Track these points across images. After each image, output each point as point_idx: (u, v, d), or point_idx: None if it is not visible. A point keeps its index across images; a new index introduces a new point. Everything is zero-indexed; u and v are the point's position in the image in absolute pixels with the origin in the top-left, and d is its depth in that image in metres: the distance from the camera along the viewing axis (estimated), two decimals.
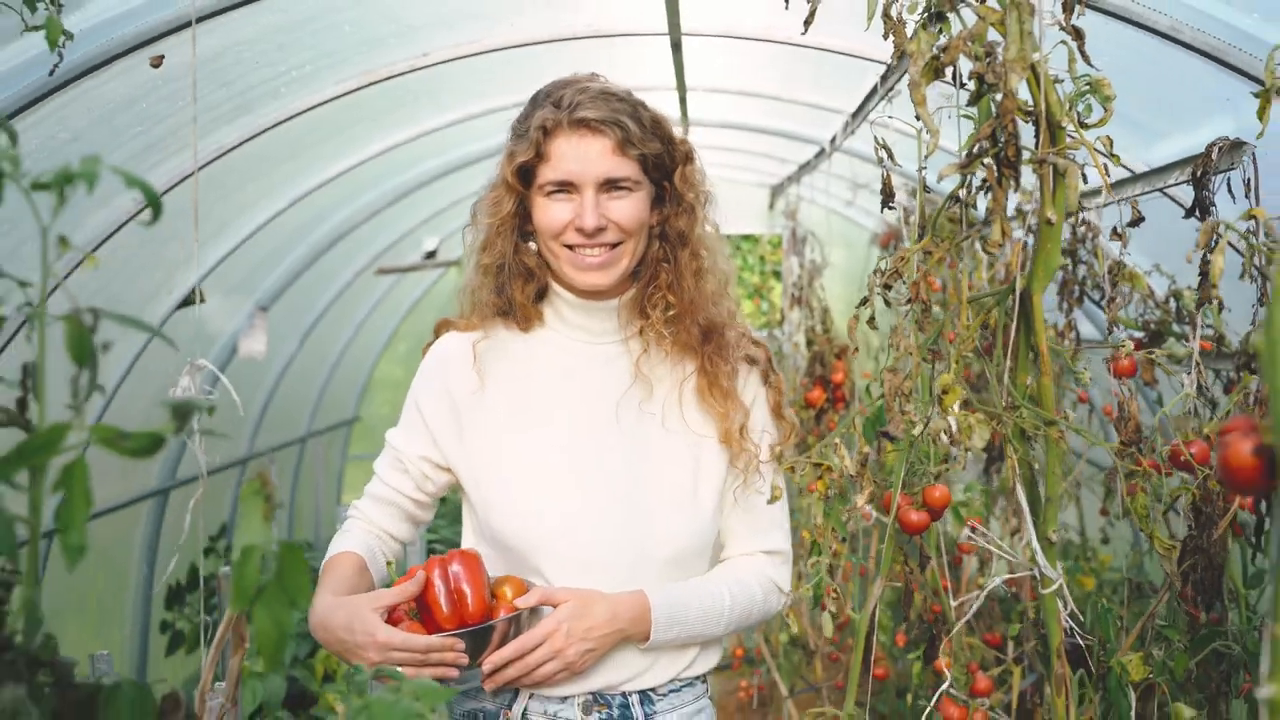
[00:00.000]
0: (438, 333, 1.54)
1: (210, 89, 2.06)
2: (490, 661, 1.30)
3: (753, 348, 1.52)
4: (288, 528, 4.85)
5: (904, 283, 1.25)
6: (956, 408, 1.28)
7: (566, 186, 1.37)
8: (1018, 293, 1.25)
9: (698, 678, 1.49)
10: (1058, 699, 1.29)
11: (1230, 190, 1.71)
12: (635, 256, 1.42)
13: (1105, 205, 2.39)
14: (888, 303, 1.29)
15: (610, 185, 1.37)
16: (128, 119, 1.91)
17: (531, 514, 1.41)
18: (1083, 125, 1.29)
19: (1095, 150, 1.27)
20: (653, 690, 1.44)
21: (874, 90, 2.38)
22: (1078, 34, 1.28)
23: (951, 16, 1.23)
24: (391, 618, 1.30)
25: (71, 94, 1.57)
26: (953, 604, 2.37)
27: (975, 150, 1.14)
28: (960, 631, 2.45)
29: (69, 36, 1.18)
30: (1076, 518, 4.21)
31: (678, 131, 1.46)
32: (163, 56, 1.68)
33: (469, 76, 2.63)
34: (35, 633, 0.79)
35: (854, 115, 2.76)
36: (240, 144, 2.35)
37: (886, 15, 1.29)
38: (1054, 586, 1.28)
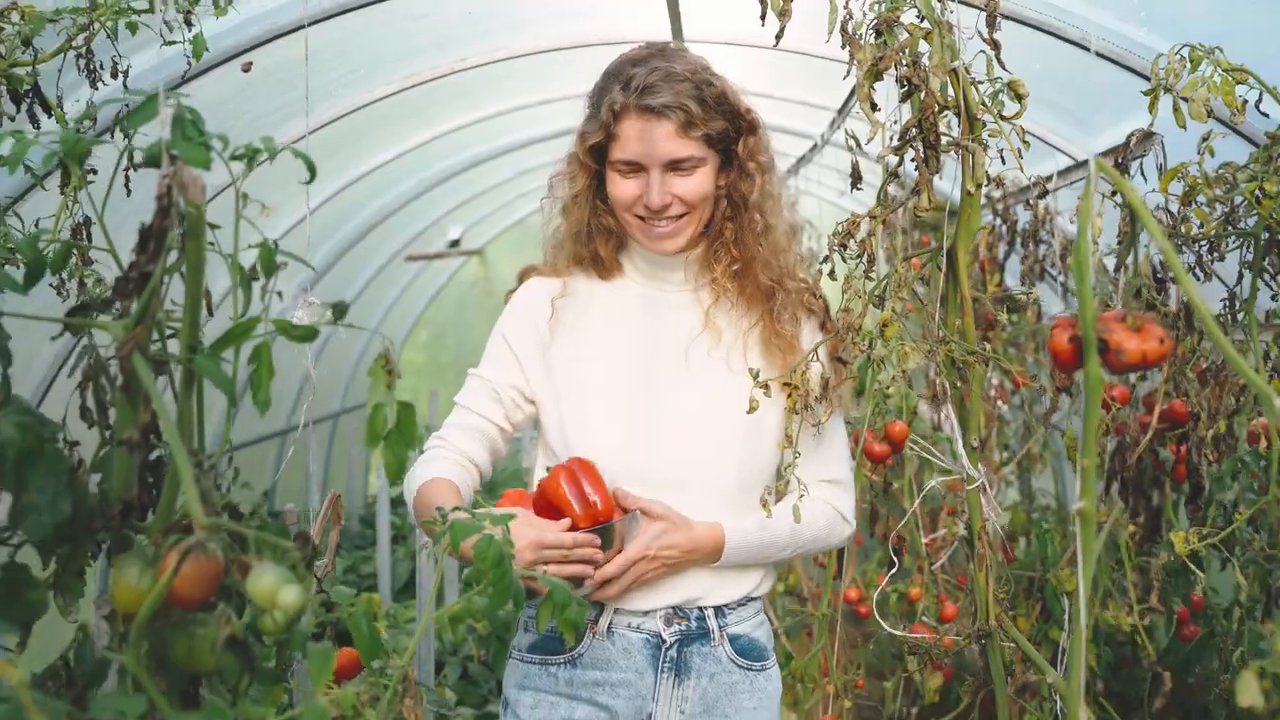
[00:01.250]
0: (522, 279, 1.67)
1: (279, 91, 2.41)
2: (601, 573, 1.42)
3: (812, 299, 1.63)
4: (320, 499, 5.20)
5: (855, 241, 1.58)
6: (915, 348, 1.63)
7: (635, 165, 1.47)
8: (945, 250, 1.58)
9: (760, 596, 1.63)
10: (979, 574, 1.62)
11: (1143, 173, 2.05)
12: (701, 222, 1.53)
13: (1058, 189, 2.73)
14: (844, 259, 1.62)
15: (675, 164, 1.46)
16: (216, 116, 2.26)
17: (611, 448, 1.52)
18: (1002, 117, 1.62)
19: (1010, 137, 1.60)
20: (725, 605, 1.56)
21: (854, 90, 2.72)
22: (995, 45, 1.60)
23: (895, 30, 1.56)
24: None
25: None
26: (924, 539, 2.70)
27: (906, 136, 1.47)
28: (935, 572, 2.78)
29: (206, 49, 1.52)
30: (1054, 484, 4.54)
31: (745, 101, 1.54)
32: (251, 63, 2.03)
33: (497, 78, 2.97)
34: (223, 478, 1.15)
35: (839, 111, 3.09)
36: (295, 141, 2.70)
37: (844, 30, 1.62)
38: (976, 483, 1.61)
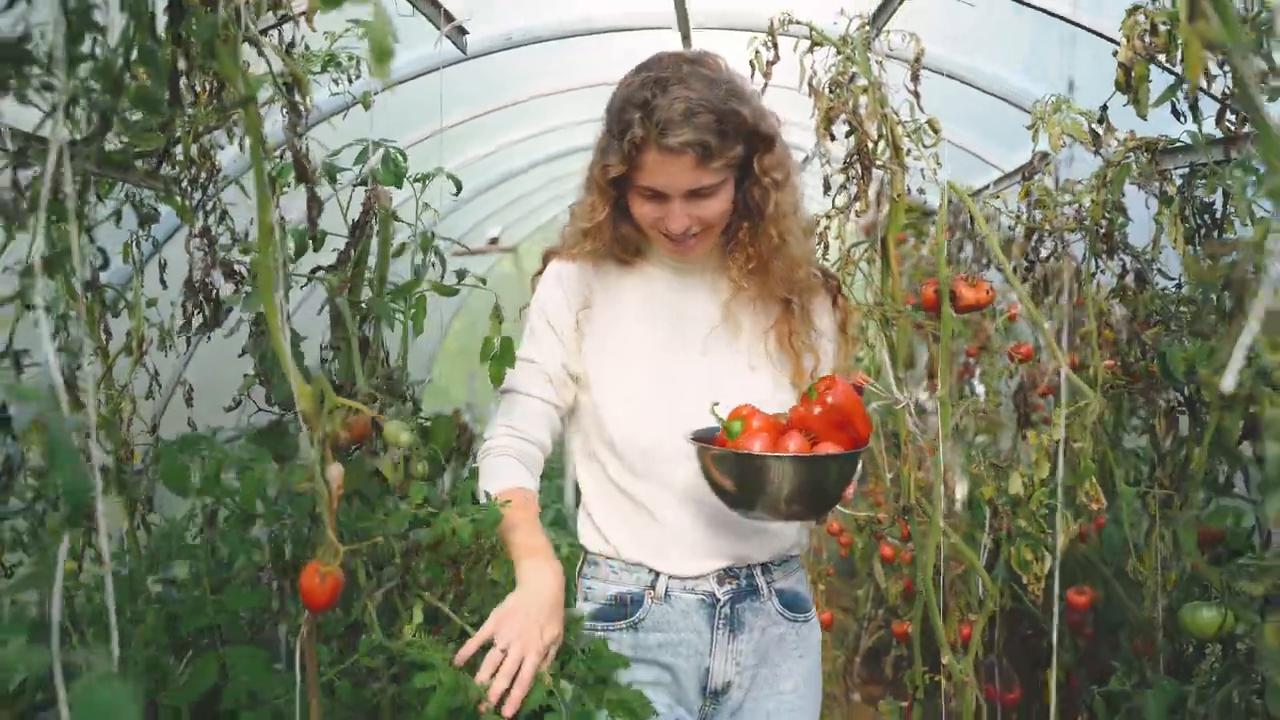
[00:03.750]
0: (545, 260, 1.72)
1: (382, 119, 3.11)
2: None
3: (827, 281, 1.74)
4: None
5: (815, 234, 2.25)
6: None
7: (657, 192, 1.49)
8: (880, 239, 2.25)
9: (798, 554, 1.73)
10: (903, 467, 2.29)
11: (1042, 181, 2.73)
12: (721, 229, 1.58)
13: (990, 195, 3.42)
14: None
15: (695, 192, 1.48)
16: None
17: (633, 429, 1.58)
18: (924, 145, 2.30)
19: (929, 160, 2.28)
20: (770, 563, 1.65)
21: None
22: (917, 95, 2.27)
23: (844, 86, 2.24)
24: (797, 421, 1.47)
25: (323, 126, 2.61)
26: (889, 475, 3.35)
27: (849, 161, 2.15)
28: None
29: (372, 100, 2.22)
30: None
31: (764, 115, 1.54)
32: (373, 101, 2.73)
33: (555, 105, 3.67)
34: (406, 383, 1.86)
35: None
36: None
37: (810, 84, 2.28)
38: (901, 404, 2.27)
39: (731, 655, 1.61)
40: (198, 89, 1.22)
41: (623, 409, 1.58)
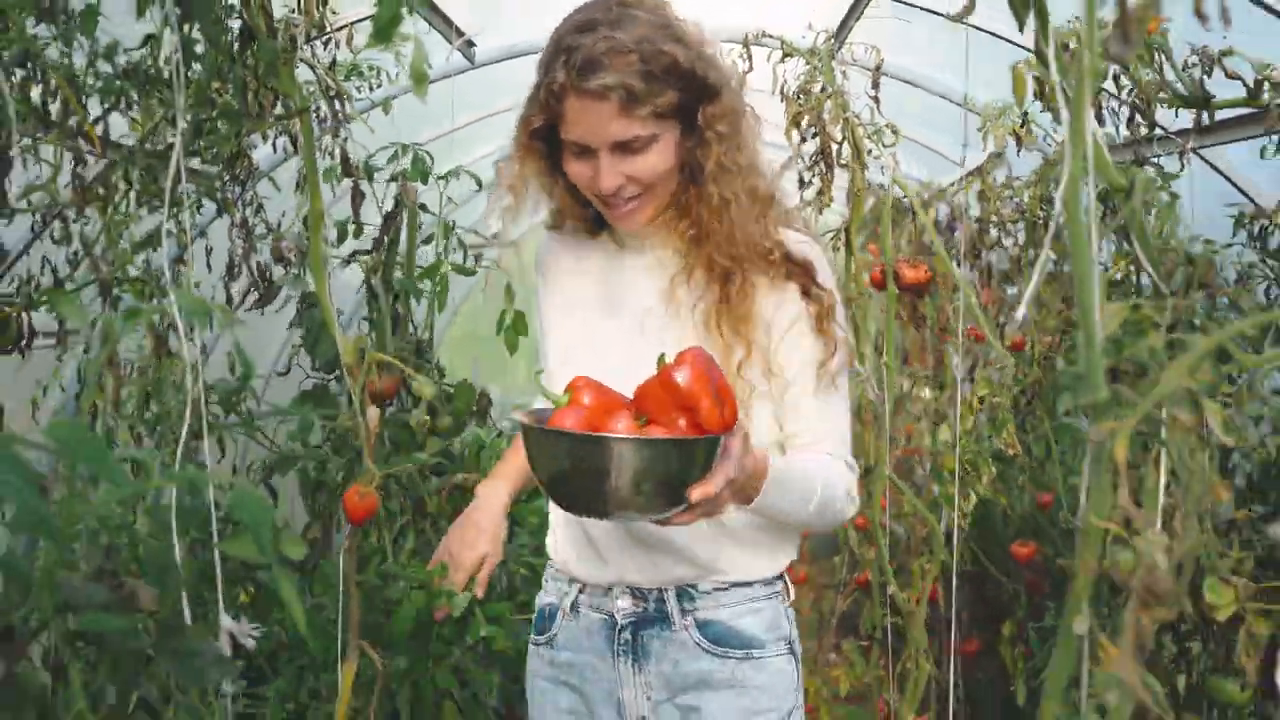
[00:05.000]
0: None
1: (399, 122, 3.39)
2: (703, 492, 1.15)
3: (790, 266, 1.43)
4: None
5: None
6: None
7: (584, 147, 1.34)
8: (844, 229, 2.53)
9: (755, 581, 1.47)
10: (866, 432, 2.57)
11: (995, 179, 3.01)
12: (666, 193, 1.40)
13: (956, 191, 3.70)
14: None
15: (624, 144, 1.32)
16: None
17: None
18: (885, 146, 2.58)
19: (888, 159, 2.55)
20: (693, 587, 1.44)
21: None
22: (877, 100, 2.55)
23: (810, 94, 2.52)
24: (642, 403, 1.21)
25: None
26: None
27: (814, 160, 2.43)
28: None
29: (392, 107, 2.50)
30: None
31: (708, 61, 1.36)
32: (392, 106, 3.01)
33: None
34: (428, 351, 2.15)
35: None
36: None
37: (781, 91, 2.56)
38: (863, 376, 2.55)
39: (641, 688, 1.46)
40: (262, 101, 1.49)
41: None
